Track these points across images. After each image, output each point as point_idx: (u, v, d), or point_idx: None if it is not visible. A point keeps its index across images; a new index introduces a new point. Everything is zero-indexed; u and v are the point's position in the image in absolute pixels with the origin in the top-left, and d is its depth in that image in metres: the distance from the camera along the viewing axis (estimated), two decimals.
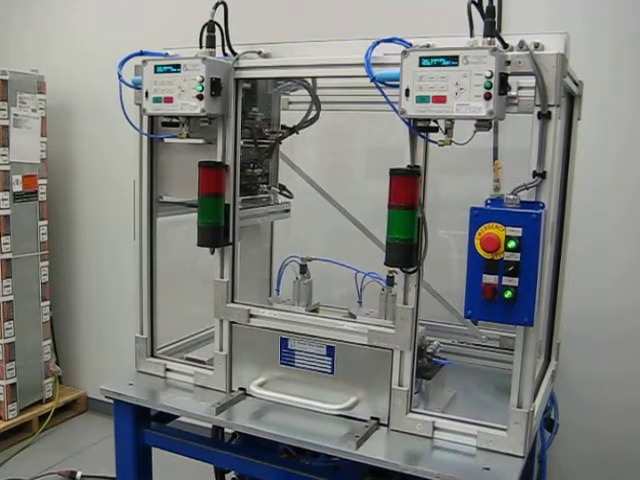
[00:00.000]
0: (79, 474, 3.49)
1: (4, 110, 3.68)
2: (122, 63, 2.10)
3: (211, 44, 2.08)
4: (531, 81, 1.65)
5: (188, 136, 2.08)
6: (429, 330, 2.28)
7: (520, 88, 2.14)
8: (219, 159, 2.07)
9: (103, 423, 3.93)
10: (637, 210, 2.78)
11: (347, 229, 2.55)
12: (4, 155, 3.71)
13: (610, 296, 2.83)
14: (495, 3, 1.70)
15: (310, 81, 2.36)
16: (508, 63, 1.63)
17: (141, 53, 2.11)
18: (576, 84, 2.13)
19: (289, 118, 2.56)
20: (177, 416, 2.20)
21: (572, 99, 2.21)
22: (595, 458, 2.94)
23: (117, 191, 3.78)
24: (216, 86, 1.97)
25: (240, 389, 2.12)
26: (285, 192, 2.62)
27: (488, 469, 1.68)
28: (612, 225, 2.81)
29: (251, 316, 2.10)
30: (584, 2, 2.76)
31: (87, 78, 4.04)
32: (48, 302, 4.10)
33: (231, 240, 2.11)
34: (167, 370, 2.26)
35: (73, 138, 4.24)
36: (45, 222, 4.02)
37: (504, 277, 1.62)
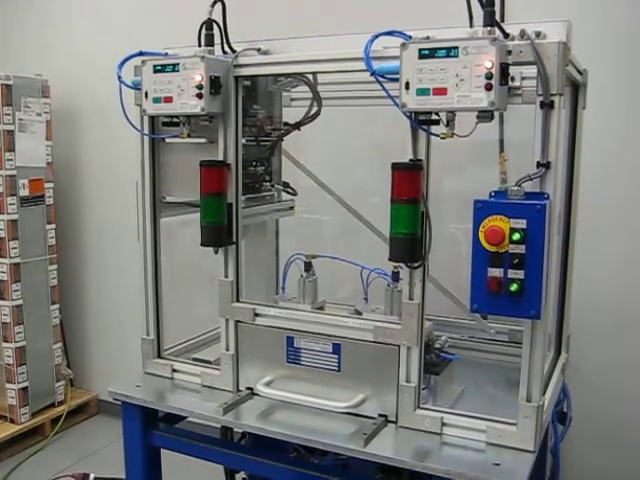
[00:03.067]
0: (92, 476, 3.47)
1: (9, 115, 3.69)
2: (121, 64, 2.09)
3: (210, 42, 2.07)
4: (535, 71, 1.62)
5: (189, 135, 2.08)
6: (438, 325, 2.26)
7: (524, 78, 2.13)
8: (221, 158, 2.06)
9: (115, 425, 3.86)
10: (635, 198, 2.77)
11: (352, 225, 2.54)
12: (10, 160, 3.71)
13: (610, 284, 2.83)
14: None
15: (311, 77, 2.35)
16: (509, 53, 1.60)
17: (140, 53, 2.11)
18: (580, 72, 2.10)
19: (291, 115, 2.54)
20: (185, 417, 2.20)
21: (576, 88, 2.18)
22: (609, 445, 2.93)
23: (124, 192, 3.78)
24: (215, 84, 1.96)
25: (247, 388, 2.11)
26: (289, 189, 2.61)
27: (498, 464, 1.66)
28: (610, 212, 2.80)
29: (256, 315, 2.09)
30: None
31: (90, 80, 4.04)
32: (58, 305, 4.11)
33: (235, 239, 2.10)
34: (174, 371, 2.26)
35: (78, 141, 4.25)
36: (53, 226, 4.02)
37: (509, 270, 1.60)
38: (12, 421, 3.88)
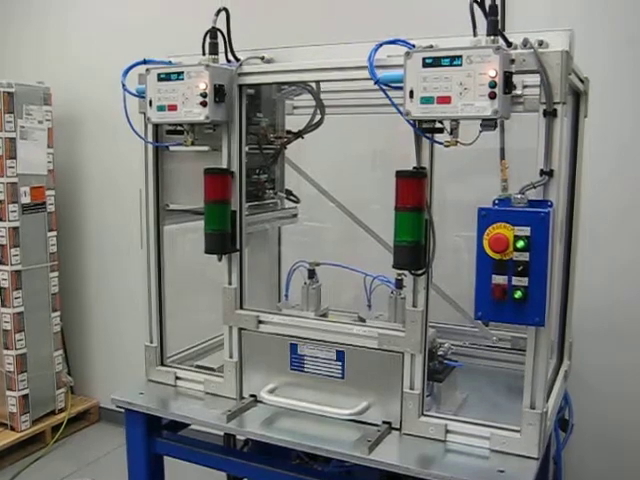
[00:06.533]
0: None
1: (10, 122, 3.70)
2: (126, 72, 2.10)
3: (214, 51, 2.08)
4: (537, 79, 1.64)
5: (193, 143, 2.08)
6: (441, 332, 2.27)
7: (525, 87, 2.14)
8: (224, 166, 2.07)
9: (116, 432, 3.91)
10: (635, 205, 2.79)
11: (355, 232, 2.55)
12: (12, 167, 3.72)
13: (608, 290, 2.84)
14: (498, 1, 1.69)
15: (314, 85, 2.36)
16: (512, 61, 1.62)
17: (144, 62, 2.12)
18: (582, 81, 2.12)
19: (294, 123, 2.55)
20: (188, 424, 2.20)
21: (578, 96, 2.20)
22: (609, 449, 2.94)
23: (125, 200, 3.79)
24: (220, 92, 1.97)
25: (251, 396, 2.12)
26: (292, 197, 2.61)
27: (502, 472, 1.67)
28: (610, 220, 2.82)
29: (260, 322, 2.09)
30: None
31: (91, 88, 4.05)
32: (58, 313, 4.11)
33: (238, 246, 2.10)
34: (177, 378, 2.26)
35: (80, 148, 4.26)
36: (54, 233, 4.02)
37: (514, 277, 1.61)
38: (12, 429, 3.86)
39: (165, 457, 2.24)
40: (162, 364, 2.31)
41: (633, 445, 2.90)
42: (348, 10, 3.21)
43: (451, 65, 1.61)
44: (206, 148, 2.17)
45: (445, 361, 2.07)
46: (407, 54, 1.66)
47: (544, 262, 1.59)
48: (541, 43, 1.65)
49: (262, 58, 2.10)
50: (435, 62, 1.62)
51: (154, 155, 2.23)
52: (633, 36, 2.70)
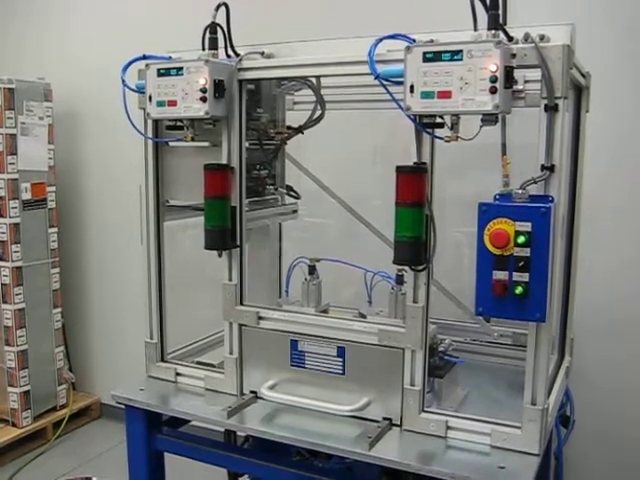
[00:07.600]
0: None
1: (11, 119, 3.70)
2: (125, 68, 2.09)
3: (214, 46, 2.07)
4: (538, 74, 1.63)
5: (193, 139, 2.08)
6: (442, 328, 2.26)
7: (527, 82, 2.13)
8: (224, 161, 2.06)
9: (117, 429, 3.88)
10: (635, 201, 2.79)
11: (355, 228, 2.54)
12: (12, 163, 3.72)
13: (608, 285, 2.84)
14: None
15: (314, 80, 2.35)
16: (513, 56, 1.61)
17: (144, 57, 2.11)
18: (583, 76, 2.11)
19: (294, 118, 2.55)
20: (189, 420, 2.20)
21: (580, 91, 2.19)
22: (610, 444, 2.95)
23: (126, 196, 3.78)
24: (219, 88, 1.96)
25: (251, 392, 2.11)
26: (292, 193, 2.60)
27: (503, 468, 1.66)
28: (610, 215, 2.81)
29: (260, 318, 2.09)
30: None
31: (92, 84, 4.05)
32: (60, 309, 4.11)
33: (238, 242, 2.10)
34: (178, 374, 2.25)
35: (80, 144, 4.25)
36: (55, 229, 4.03)
37: (514, 273, 1.60)
38: (14, 425, 3.88)
39: (166, 453, 2.24)
40: (162, 360, 2.31)
41: (634, 441, 2.90)
42: (348, 5, 3.20)
43: (452, 60, 1.60)
44: (206, 144, 2.17)
45: (446, 357, 2.05)
46: (407, 49, 1.65)
47: (545, 258, 1.58)
48: (542, 37, 1.64)
49: (262, 53, 2.09)
50: (435, 57, 1.62)
51: (154, 151, 2.22)
52: (635, 30, 2.69)
